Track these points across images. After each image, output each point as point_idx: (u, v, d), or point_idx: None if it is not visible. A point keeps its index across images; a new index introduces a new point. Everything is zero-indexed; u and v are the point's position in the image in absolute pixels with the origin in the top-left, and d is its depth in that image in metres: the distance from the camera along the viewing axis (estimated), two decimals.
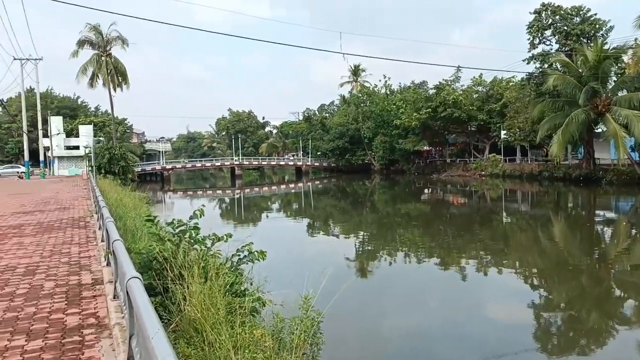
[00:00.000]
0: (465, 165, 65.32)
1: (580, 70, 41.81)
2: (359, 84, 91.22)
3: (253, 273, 7.76)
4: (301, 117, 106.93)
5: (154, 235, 7.31)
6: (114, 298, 6.14)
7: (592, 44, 41.62)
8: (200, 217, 7.66)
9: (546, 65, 46.09)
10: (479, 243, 23.42)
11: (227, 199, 57.23)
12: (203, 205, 7.75)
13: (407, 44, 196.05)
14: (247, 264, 7.57)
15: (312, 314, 5.97)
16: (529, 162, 57.64)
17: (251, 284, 7.77)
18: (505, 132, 56.19)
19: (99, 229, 12.34)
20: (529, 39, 48.27)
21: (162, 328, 3.05)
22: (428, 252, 21.34)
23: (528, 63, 48.03)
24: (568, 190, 44.37)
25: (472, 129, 65.05)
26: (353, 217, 35.51)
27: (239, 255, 7.56)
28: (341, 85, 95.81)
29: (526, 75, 50.61)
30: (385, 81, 77.96)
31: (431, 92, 67.20)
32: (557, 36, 47.11)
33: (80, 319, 5.75)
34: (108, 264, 8.05)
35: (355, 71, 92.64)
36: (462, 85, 64.90)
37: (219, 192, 69.42)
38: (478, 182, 57.16)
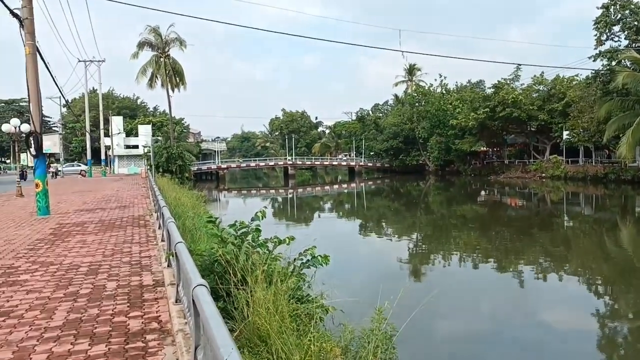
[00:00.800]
0: (524, 166, 63.26)
1: None
2: (414, 83, 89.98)
3: (312, 277, 7.46)
4: (354, 117, 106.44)
5: (216, 236, 7.12)
6: (176, 302, 5.96)
7: None
8: (262, 219, 7.43)
9: (614, 63, 43.87)
10: (539, 247, 22.53)
11: (280, 199, 57.48)
12: (265, 207, 7.50)
13: (461, 43, 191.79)
14: (310, 268, 7.28)
15: (386, 327, 5.59)
16: (593, 163, 55.14)
17: (309, 286, 7.50)
18: (567, 132, 53.98)
19: (159, 228, 12.36)
20: (595, 35, 46.01)
21: (235, 348, 2.77)
22: (485, 256, 20.66)
23: (594, 60, 45.81)
24: (637, 193, 42.16)
25: (532, 129, 62.85)
26: (408, 219, 34.90)
27: (302, 259, 7.28)
28: (395, 84, 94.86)
29: (592, 73, 48.35)
30: (441, 80, 76.57)
31: (489, 91, 65.39)
32: (626, 32, 44.67)
33: (142, 323, 5.60)
34: (169, 265, 7.93)
35: (411, 70, 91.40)
36: (521, 84, 62.91)
37: (272, 191, 69.90)
38: (538, 184, 55.24)
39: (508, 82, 61.69)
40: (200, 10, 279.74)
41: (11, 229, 14.22)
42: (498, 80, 61.75)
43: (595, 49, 46.14)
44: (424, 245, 24.32)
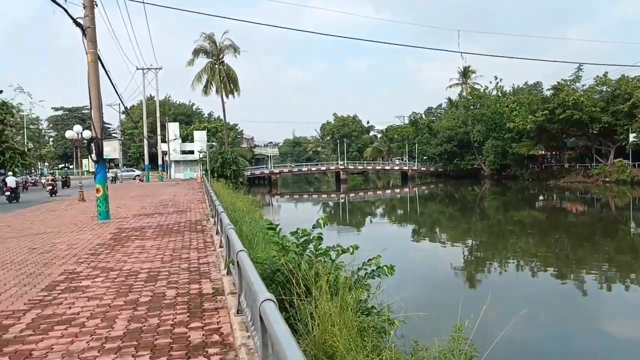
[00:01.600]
0: (585, 170, 60.70)
1: None
2: (468, 86, 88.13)
3: (377, 288, 7.09)
4: (407, 121, 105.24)
5: (277, 244, 6.87)
6: (238, 313, 5.72)
7: None
8: (324, 226, 7.13)
9: None
10: (603, 255, 21.53)
11: (332, 203, 57.32)
12: (325, 215, 7.19)
13: (520, 43, 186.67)
14: (374, 278, 6.92)
15: (467, 348, 5.17)
16: None
17: (369, 296, 7.13)
18: (635, 134, 51.39)
19: (216, 234, 12.27)
20: None
21: None
22: (554, 265, 19.82)
23: None
24: None
25: (594, 131, 60.21)
26: (463, 225, 34.06)
27: (365, 269, 6.93)
28: (449, 87, 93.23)
29: None
30: (497, 83, 74.60)
31: (548, 93, 63.14)
32: None
33: (203, 335, 5.38)
34: (228, 273, 7.74)
35: (465, 73, 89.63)
36: (583, 86, 60.39)
37: (324, 196, 69.86)
38: (601, 189, 52.93)
39: (568, 83, 59.39)
40: (251, 14, 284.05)
41: (74, 233, 14.49)
42: (558, 82, 59.56)
43: None
44: (481, 253, 23.57)
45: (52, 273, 8.92)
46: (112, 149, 56.19)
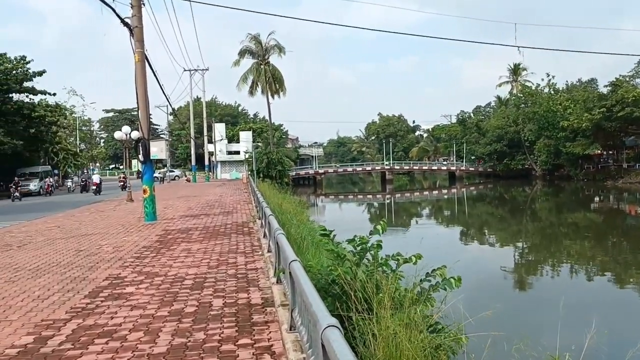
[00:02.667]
0: None
1: None
2: (519, 83, 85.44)
3: (442, 302, 6.40)
4: (454, 120, 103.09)
5: (332, 252, 6.28)
6: (290, 329, 5.17)
7: None
8: (383, 232, 6.50)
9: None
10: None
11: (378, 204, 56.44)
12: (383, 220, 6.56)
13: (567, 39, 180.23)
14: (439, 291, 6.24)
15: None
16: None
17: (433, 311, 6.44)
18: None
19: (264, 237, 11.81)
20: None
21: None
22: (601, 268, 19.20)
23: None
24: None
25: None
26: (518, 228, 32.66)
27: (429, 280, 6.27)
28: (499, 85, 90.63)
29: None
30: (549, 80, 71.91)
31: (604, 90, 60.38)
32: None
33: (253, 354, 4.85)
34: (278, 281, 7.21)
35: (515, 70, 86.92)
36: None
37: (369, 196, 69.01)
38: None
39: (627, 79, 56.64)
40: (294, 13, 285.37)
41: (120, 234, 14.32)
42: (616, 78, 56.90)
43: None
44: (547, 260, 22.28)
45: (97, 278, 8.61)
46: (159, 150, 56.16)
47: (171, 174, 71.09)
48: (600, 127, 56.81)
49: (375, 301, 5.27)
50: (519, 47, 21.64)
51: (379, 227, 6.48)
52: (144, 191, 17.25)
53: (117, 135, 27.47)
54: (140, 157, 17.41)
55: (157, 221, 17.17)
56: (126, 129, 27.46)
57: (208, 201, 26.30)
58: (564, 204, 46.69)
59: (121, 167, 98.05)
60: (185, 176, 67.89)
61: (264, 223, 12.32)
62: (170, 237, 13.33)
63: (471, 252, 24.13)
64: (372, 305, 5.24)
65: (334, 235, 6.58)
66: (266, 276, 8.26)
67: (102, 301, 7.04)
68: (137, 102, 17.43)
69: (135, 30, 17.07)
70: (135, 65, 17.26)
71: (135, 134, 25.19)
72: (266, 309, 6.32)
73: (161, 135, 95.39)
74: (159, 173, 61.23)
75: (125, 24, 16.97)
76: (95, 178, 40.57)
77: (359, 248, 6.09)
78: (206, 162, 66.34)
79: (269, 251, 9.94)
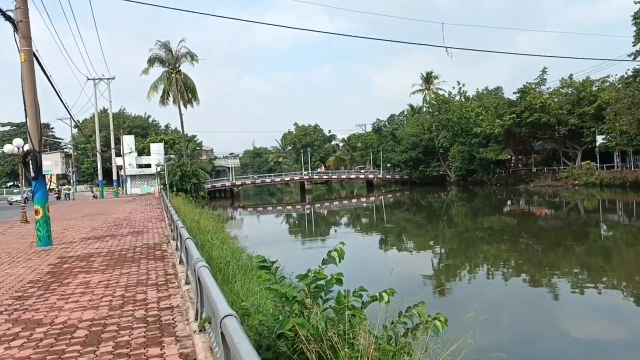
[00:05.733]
0: (554, 174, 60.27)
1: None
2: (431, 91, 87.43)
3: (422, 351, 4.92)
4: (368, 129, 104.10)
5: (275, 292, 4.64)
6: None
7: None
8: (340, 261, 4.96)
9: None
10: (574, 259, 21.07)
11: (298, 215, 55.08)
12: (342, 243, 5.03)
13: (471, 48, 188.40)
14: (419, 335, 4.76)
15: None
16: (632, 169, 52.04)
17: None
18: (603, 136, 51.05)
19: (180, 263, 9.96)
20: (635, 32, 43.23)
21: None
22: (516, 270, 19.58)
23: (634, 58, 42.99)
24: None
25: (562, 134, 59.81)
26: (437, 233, 32.45)
27: (405, 323, 4.79)
28: (412, 93, 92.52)
29: (632, 71, 45.52)
30: (460, 88, 73.90)
31: (513, 96, 62.64)
32: None
33: None
34: (202, 330, 5.48)
35: (428, 79, 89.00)
36: (547, 88, 60.09)
37: (289, 207, 67.56)
38: (570, 192, 52.44)
39: (533, 86, 58.95)
40: (206, 28, 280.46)
41: (4, 265, 11.89)
42: (524, 85, 59.06)
43: (635, 45, 43.42)
44: (461, 259, 22.29)
45: None
46: (53, 163, 51.58)
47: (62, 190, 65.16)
48: (511, 133, 58.74)
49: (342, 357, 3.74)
50: (446, 47, 21.00)
51: (334, 253, 4.92)
52: (36, 212, 14.77)
53: (7, 148, 24.30)
54: (30, 172, 14.89)
55: (53, 246, 14.73)
56: (18, 141, 24.31)
57: (116, 219, 23.74)
58: (479, 208, 47.49)
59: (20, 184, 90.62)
60: (92, 192, 63.34)
61: (179, 246, 10.47)
62: (66, 267, 11.13)
63: (395, 258, 23.68)
64: None
65: (277, 268, 4.95)
66: (184, 318, 6.49)
67: None
68: (25, 109, 14.93)
69: (20, 25, 14.64)
70: (22, 66, 14.80)
71: (27, 147, 22.24)
72: None
73: (65, 150, 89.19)
74: (65, 189, 56.66)
75: (8, 18, 14.50)
76: None
77: (313, 287, 4.50)
78: (114, 177, 62.30)
79: (187, 283, 8.14)
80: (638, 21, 42.67)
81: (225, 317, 3.51)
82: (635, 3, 43.04)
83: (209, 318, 4.66)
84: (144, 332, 6.01)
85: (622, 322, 12.91)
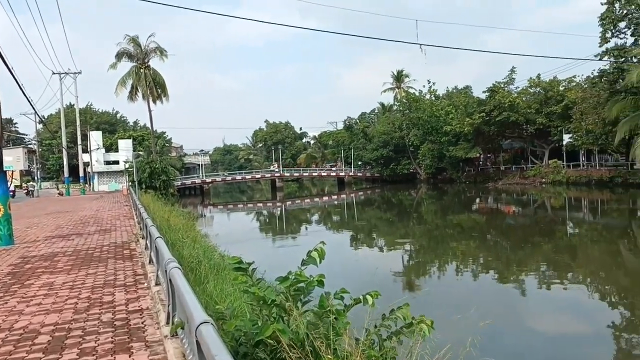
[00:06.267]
0: (522, 172, 61.17)
1: None
2: (402, 90, 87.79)
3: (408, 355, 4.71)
4: (340, 127, 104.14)
5: (252, 295, 4.39)
6: None
7: None
8: (321, 261, 4.73)
9: (621, 60, 41.91)
10: (541, 256, 21.34)
11: (271, 212, 54.71)
12: (323, 242, 4.80)
13: (442, 49, 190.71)
14: (403, 339, 4.57)
15: None
16: (597, 167, 53.19)
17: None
18: (570, 135, 52.00)
19: (149, 262, 9.60)
20: (600, 33, 44.09)
21: None
22: (485, 266, 19.79)
23: (601, 59, 43.81)
24: None
25: (530, 133, 60.74)
26: (407, 231, 32.57)
27: (388, 326, 4.58)
28: (383, 92, 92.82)
29: (598, 72, 46.46)
30: (430, 86, 74.43)
31: (482, 95, 63.36)
32: (632, 27, 42.73)
33: None
34: (174, 335, 5.19)
35: (399, 77, 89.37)
36: (516, 88, 60.95)
37: (260, 205, 67.08)
38: (538, 190, 53.29)
39: (502, 86, 59.68)
40: (177, 24, 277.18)
41: None
42: (493, 84, 59.74)
43: (601, 46, 44.31)
44: (429, 257, 22.57)
45: None
46: (15, 159, 49.68)
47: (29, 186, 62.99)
48: (480, 131, 59.38)
49: None
50: (420, 44, 20.92)
51: (314, 253, 4.68)
52: None
53: None
54: None
55: (15, 245, 14.13)
56: None
57: (82, 217, 23.06)
58: (448, 206, 47.93)
59: None
60: (58, 189, 61.71)
61: (149, 244, 10.11)
62: (29, 267, 10.64)
63: (366, 256, 23.71)
64: None
65: (254, 270, 4.69)
66: (155, 322, 6.18)
67: None
68: None
69: None
70: None
71: None
72: None
73: (29, 146, 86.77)
74: (30, 186, 54.99)
75: None
76: None
77: (293, 290, 4.26)
78: (81, 174, 60.81)
79: (157, 284, 7.82)
80: (604, 22, 43.58)
81: (201, 324, 3.24)
82: (602, 5, 43.99)
83: (182, 323, 4.37)
84: (112, 337, 5.68)
85: (586, 317, 13.18)
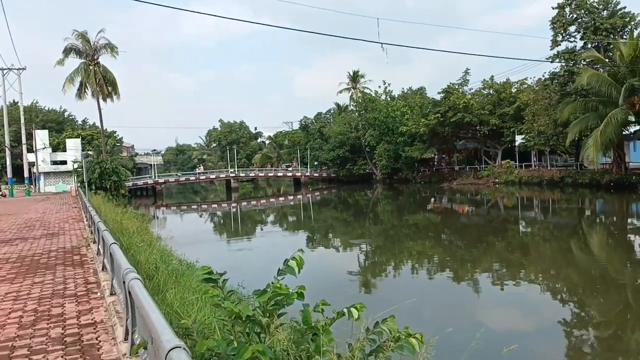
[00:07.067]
0: (476, 172, 62.19)
1: (615, 67, 38.92)
2: (358, 90, 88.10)
3: None
4: (295, 127, 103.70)
5: (224, 310, 3.92)
6: None
7: (626, 39, 38.70)
8: (299, 271, 4.31)
9: (571, 63, 43.11)
10: (495, 254, 21.63)
11: (224, 213, 53.70)
12: (301, 250, 4.39)
13: (396, 51, 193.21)
14: (391, 354, 4.19)
15: None
16: (548, 167, 54.62)
17: None
18: (522, 136, 53.18)
19: (103, 269, 8.96)
20: (552, 36, 45.27)
21: None
22: (440, 266, 19.84)
23: (552, 61, 44.90)
24: (595, 197, 41.40)
25: (483, 134, 61.88)
26: (363, 231, 32.49)
27: (374, 340, 4.20)
28: (339, 92, 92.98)
29: (549, 74, 47.67)
30: (385, 87, 74.88)
31: (437, 96, 64.17)
32: (582, 32, 44.06)
33: None
34: (135, 354, 4.67)
35: (355, 77, 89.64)
36: (470, 89, 61.97)
37: (215, 205, 65.91)
38: (491, 190, 54.19)
39: (457, 87, 60.56)
40: (126, 21, 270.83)
41: None
42: (448, 85, 60.51)
43: (552, 49, 45.51)
44: (386, 257, 22.50)
45: None
46: None
47: None
48: (435, 132, 60.07)
49: None
50: (382, 43, 20.74)
51: (292, 262, 4.26)
52: None
53: None
54: None
55: None
56: None
57: (27, 220, 21.86)
58: (404, 206, 48.19)
59: None
60: (0, 190, 58.96)
61: (101, 250, 9.46)
62: None
63: (322, 256, 23.40)
64: None
65: (225, 281, 4.22)
66: (111, 337, 5.63)
67: None
68: None
69: None
70: None
71: None
72: None
73: None
74: None
75: None
76: None
77: (271, 304, 3.82)
78: (26, 174, 58.26)
79: (112, 293, 7.22)
80: (555, 26, 44.79)
81: (172, 349, 2.78)
82: (553, 9, 45.21)
83: (145, 343, 3.88)
84: (62, 356, 5.12)
85: (538, 313, 13.40)
